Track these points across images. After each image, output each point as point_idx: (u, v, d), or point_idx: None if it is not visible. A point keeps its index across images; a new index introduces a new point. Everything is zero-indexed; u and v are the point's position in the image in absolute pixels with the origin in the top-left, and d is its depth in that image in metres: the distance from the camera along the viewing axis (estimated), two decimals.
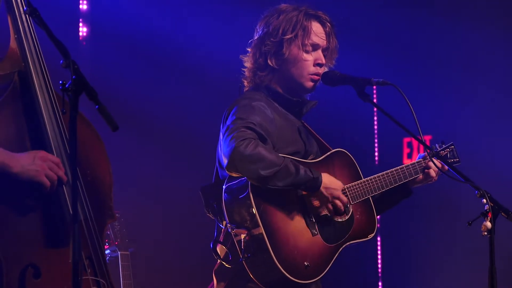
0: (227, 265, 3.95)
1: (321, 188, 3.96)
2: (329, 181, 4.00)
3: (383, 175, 4.25)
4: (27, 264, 3.18)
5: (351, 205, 4.13)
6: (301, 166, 3.92)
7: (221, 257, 3.97)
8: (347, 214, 4.11)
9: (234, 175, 3.91)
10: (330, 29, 4.24)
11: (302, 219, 3.98)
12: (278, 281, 3.89)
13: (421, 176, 4.36)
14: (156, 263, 7.00)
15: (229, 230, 3.92)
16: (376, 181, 4.22)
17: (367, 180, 4.20)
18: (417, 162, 4.36)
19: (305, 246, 3.96)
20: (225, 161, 3.87)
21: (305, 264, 3.94)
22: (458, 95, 7.23)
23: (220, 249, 4.00)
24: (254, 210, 3.86)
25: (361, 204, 4.17)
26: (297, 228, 3.96)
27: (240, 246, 3.87)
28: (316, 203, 4.00)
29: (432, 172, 4.35)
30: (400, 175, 4.29)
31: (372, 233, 4.19)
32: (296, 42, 4.15)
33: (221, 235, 4.00)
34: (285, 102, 4.20)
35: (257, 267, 3.89)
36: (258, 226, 3.86)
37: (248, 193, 3.88)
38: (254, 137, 3.88)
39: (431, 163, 4.32)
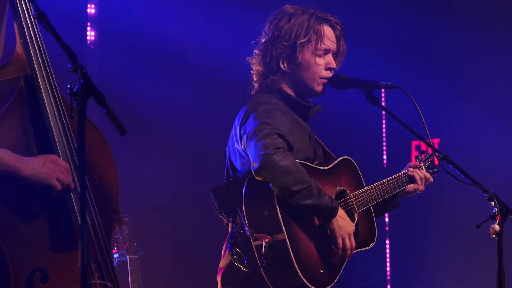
0: (244, 269, 3.88)
1: (336, 219, 3.92)
2: (344, 216, 3.98)
3: (382, 183, 4.24)
4: (34, 268, 3.17)
5: (356, 213, 4.12)
6: (323, 191, 3.90)
7: (236, 260, 3.91)
8: (353, 222, 4.08)
9: (259, 179, 3.85)
10: (340, 32, 4.22)
11: (318, 225, 3.96)
12: None
13: (408, 186, 4.35)
14: (164, 267, 7.00)
15: (247, 233, 3.84)
16: (378, 189, 4.21)
17: (370, 189, 4.19)
18: (403, 174, 4.34)
19: (320, 253, 3.94)
20: (254, 165, 3.82)
21: (320, 272, 3.91)
22: (467, 98, 7.22)
23: (234, 251, 3.93)
24: (278, 215, 3.83)
25: (363, 213, 4.15)
26: (314, 234, 3.94)
27: (259, 252, 3.81)
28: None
29: (418, 181, 4.33)
30: (395, 184, 4.28)
31: (373, 241, 4.18)
32: (309, 47, 4.13)
33: (231, 236, 3.94)
34: (296, 106, 4.18)
35: (275, 273, 3.83)
36: (282, 231, 3.82)
37: (273, 197, 3.84)
38: (285, 146, 3.87)
39: (412, 173, 4.31)
